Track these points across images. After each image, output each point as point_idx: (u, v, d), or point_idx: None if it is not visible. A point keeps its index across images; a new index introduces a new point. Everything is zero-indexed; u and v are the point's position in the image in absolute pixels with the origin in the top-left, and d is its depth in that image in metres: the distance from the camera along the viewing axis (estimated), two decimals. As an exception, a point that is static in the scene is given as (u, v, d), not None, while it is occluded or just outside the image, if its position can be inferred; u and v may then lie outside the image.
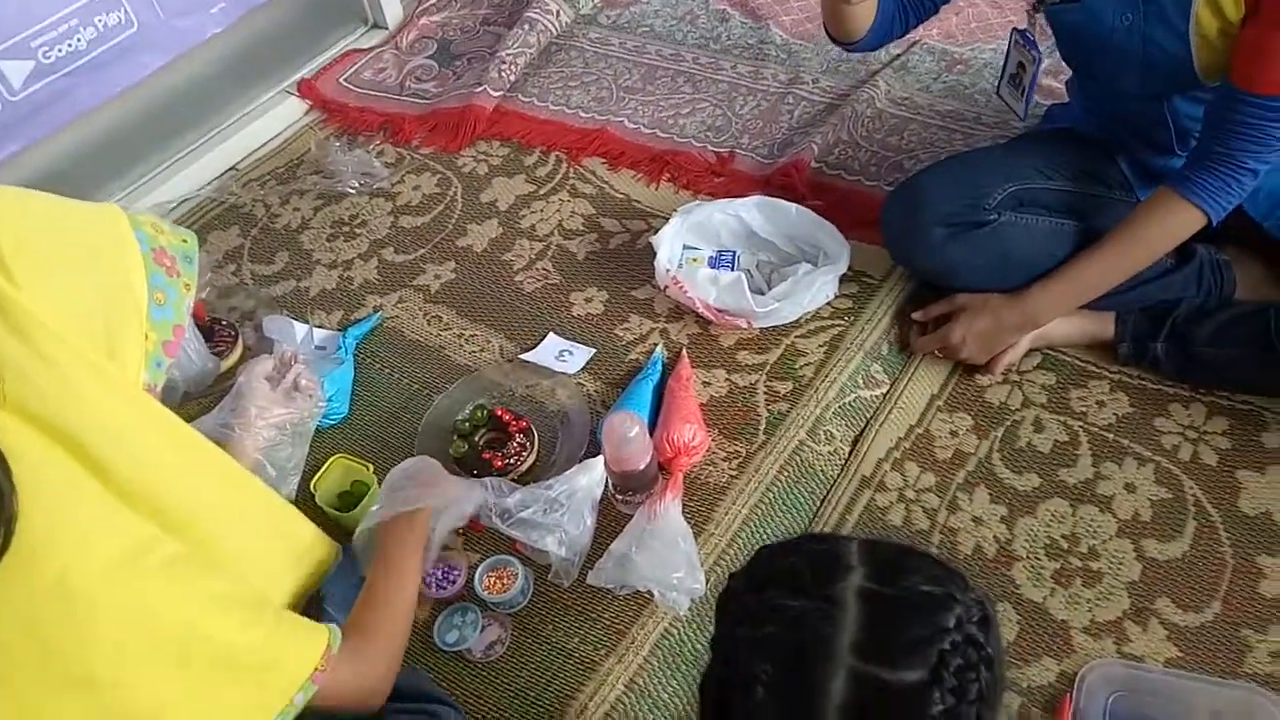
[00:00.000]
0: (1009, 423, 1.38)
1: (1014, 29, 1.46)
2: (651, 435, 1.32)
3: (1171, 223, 1.24)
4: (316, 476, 1.34)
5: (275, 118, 2.10)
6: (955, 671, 0.55)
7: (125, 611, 0.71)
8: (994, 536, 1.26)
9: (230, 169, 2.02)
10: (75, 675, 0.69)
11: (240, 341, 1.58)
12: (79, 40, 1.73)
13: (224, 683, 0.76)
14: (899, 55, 1.97)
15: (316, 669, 0.82)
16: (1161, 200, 1.25)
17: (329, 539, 1.03)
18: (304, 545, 0.99)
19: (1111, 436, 1.34)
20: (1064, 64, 1.46)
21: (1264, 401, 1.33)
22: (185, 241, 0.89)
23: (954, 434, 1.38)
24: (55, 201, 0.80)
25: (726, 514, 1.27)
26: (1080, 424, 1.36)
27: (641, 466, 1.22)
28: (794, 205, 1.56)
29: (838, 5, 1.32)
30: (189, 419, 0.93)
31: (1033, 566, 1.22)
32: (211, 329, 1.57)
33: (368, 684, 0.90)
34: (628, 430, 1.19)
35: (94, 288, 0.78)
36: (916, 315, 1.45)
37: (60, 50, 1.70)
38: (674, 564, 1.12)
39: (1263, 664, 1.10)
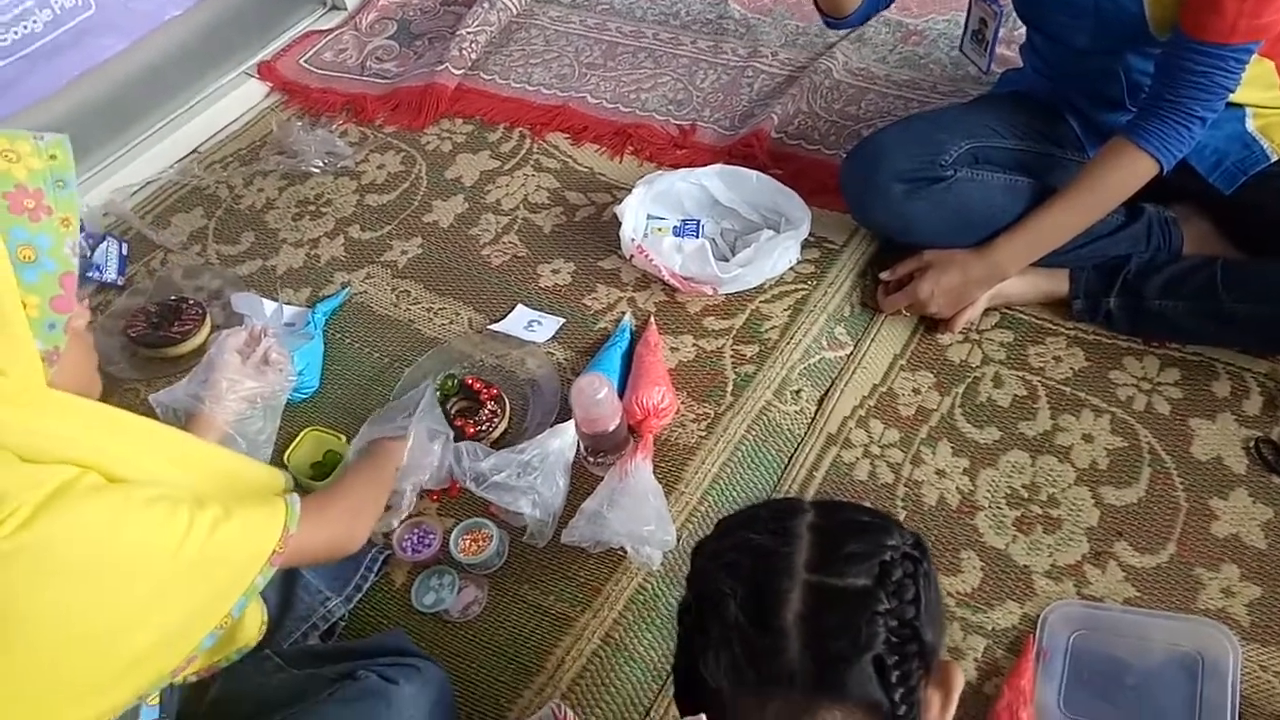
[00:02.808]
0: (970, 379, 1.41)
1: None
2: (621, 400, 1.34)
3: (1126, 171, 1.28)
4: (290, 449, 1.34)
5: (236, 100, 2.09)
6: (896, 579, 0.63)
7: (70, 545, 0.70)
8: (957, 488, 1.29)
9: (192, 152, 2.01)
10: (41, 619, 0.69)
11: (208, 320, 1.57)
12: (35, 22, 1.71)
13: (183, 582, 0.76)
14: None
15: (275, 551, 0.82)
16: (1115, 149, 1.28)
17: (273, 469, 1.01)
18: (252, 479, 0.97)
19: (1069, 390, 1.37)
20: (1017, 30, 1.49)
21: (1214, 352, 1.37)
22: (54, 158, 0.76)
23: (916, 391, 1.41)
24: None
25: (696, 473, 1.30)
26: (1038, 379, 1.39)
27: (611, 428, 1.24)
28: (755, 173, 1.58)
29: None
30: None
31: (995, 515, 1.26)
32: (179, 308, 1.57)
33: (330, 540, 0.94)
34: (596, 391, 1.20)
35: None
36: (884, 274, 1.48)
37: (16, 32, 1.69)
38: (645, 518, 1.14)
39: (1215, 600, 1.15)
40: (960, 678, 0.67)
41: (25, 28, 1.70)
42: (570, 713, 0.99)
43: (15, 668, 0.70)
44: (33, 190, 0.73)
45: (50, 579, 0.69)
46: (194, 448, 0.92)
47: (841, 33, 1.98)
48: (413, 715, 0.93)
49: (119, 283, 1.71)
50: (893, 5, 1.51)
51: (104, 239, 1.72)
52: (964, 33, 1.58)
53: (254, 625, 1.01)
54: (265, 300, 1.57)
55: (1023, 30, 1.56)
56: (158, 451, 0.85)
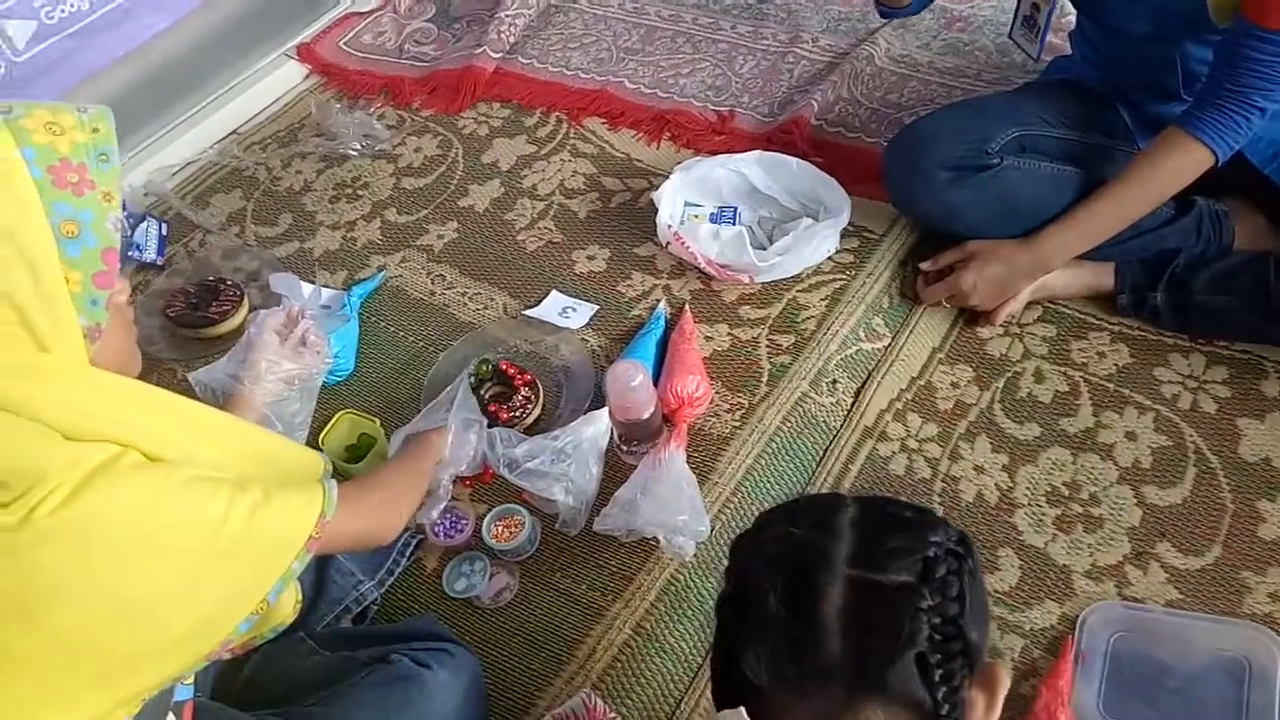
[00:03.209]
0: (1010, 374, 1.38)
1: None
2: (655, 388, 1.33)
3: (1179, 162, 1.25)
4: (324, 431, 1.35)
5: (275, 82, 2.09)
6: (940, 576, 0.61)
7: (110, 523, 0.70)
8: (995, 485, 1.27)
9: (231, 133, 2.02)
10: (79, 592, 0.69)
11: (246, 301, 1.58)
12: (81, 1, 1.72)
13: (221, 563, 0.75)
14: (900, 13, 1.96)
15: (312, 536, 0.81)
16: (1169, 139, 1.25)
17: (313, 451, 0.99)
18: (293, 461, 0.96)
19: (1112, 386, 1.35)
20: (1065, 17, 1.46)
21: (1263, 350, 1.34)
22: (97, 130, 0.75)
23: (955, 385, 1.39)
24: None
25: (730, 464, 1.29)
26: (1081, 374, 1.37)
27: (645, 416, 1.23)
28: (795, 159, 1.56)
29: None
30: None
31: (1034, 513, 1.24)
32: (217, 289, 1.58)
33: (366, 531, 0.93)
34: (631, 378, 1.20)
35: None
36: (925, 265, 1.45)
37: (62, 10, 1.70)
38: (678, 507, 1.13)
39: (1261, 604, 1.12)
40: (1006, 679, 0.65)
41: (72, 5, 1.72)
42: (601, 703, 0.99)
43: (51, 645, 0.70)
44: (76, 164, 0.72)
45: (88, 557, 0.70)
46: (234, 428, 0.91)
47: (885, 20, 1.95)
48: (445, 700, 0.93)
49: (158, 263, 1.73)
50: (940, -9, 1.49)
51: (144, 219, 1.74)
52: (1014, 18, 1.54)
53: (289, 604, 1.01)
54: (303, 282, 1.58)
55: (1072, 16, 1.53)
56: (198, 432, 0.85)
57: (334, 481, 0.89)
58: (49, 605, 0.69)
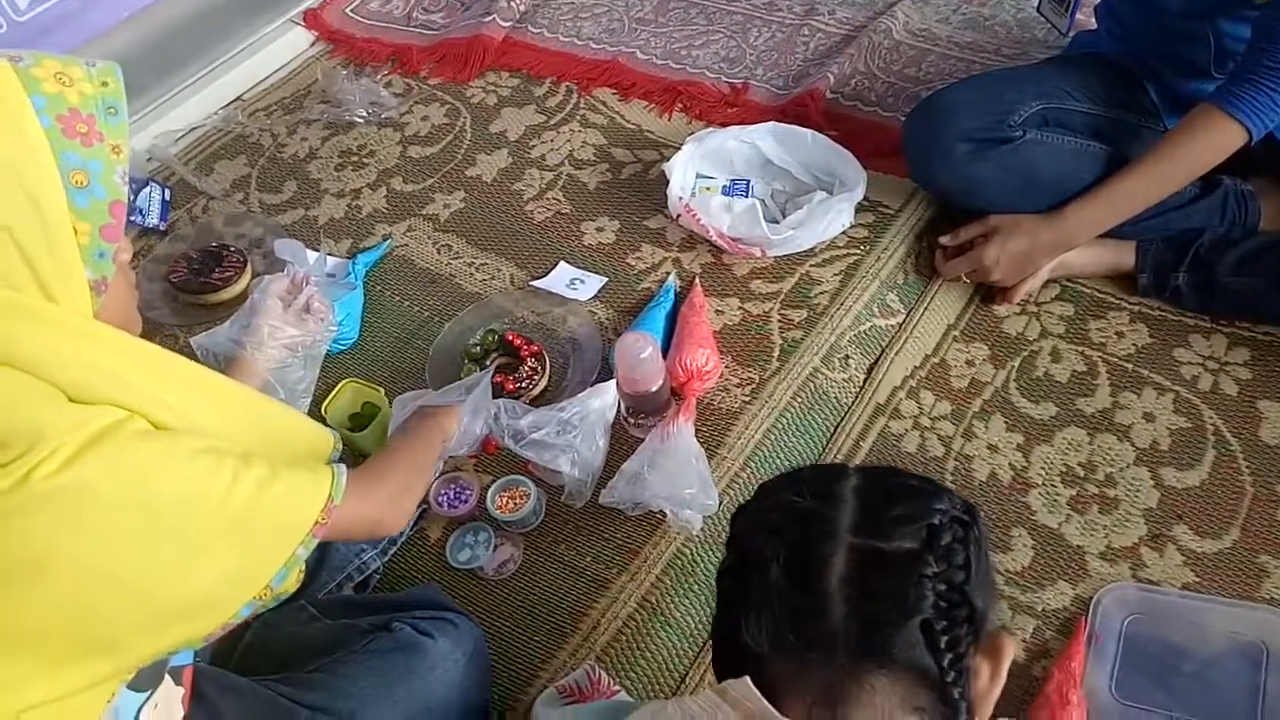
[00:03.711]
0: (1026, 353, 1.36)
1: None
2: (664, 361, 1.31)
3: (1212, 139, 1.22)
4: (328, 399, 1.33)
5: (281, 48, 2.07)
6: (945, 543, 0.60)
7: (111, 488, 0.68)
8: (1009, 464, 1.25)
9: (236, 99, 1.99)
10: (75, 560, 0.67)
11: (249, 268, 1.56)
12: (84, -39, 1.70)
13: (223, 541, 0.73)
14: (918, -14, 1.93)
15: (318, 521, 0.79)
16: (1202, 116, 1.22)
17: (323, 428, 0.96)
18: (300, 435, 0.93)
19: (1130, 367, 1.32)
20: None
21: (1287, 332, 1.31)
22: (106, 84, 0.73)
23: (970, 363, 1.36)
24: None
25: (739, 439, 1.26)
26: (1099, 354, 1.34)
27: (654, 388, 1.21)
28: (810, 132, 1.53)
29: None
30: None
31: (1048, 493, 1.21)
32: (220, 255, 1.56)
33: (372, 521, 0.90)
34: (640, 350, 1.17)
35: None
36: (945, 239, 1.42)
37: (65, -30, 1.67)
38: (686, 480, 1.11)
39: (1280, 589, 1.10)
40: (1011, 647, 0.63)
41: (75, -34, 1.69)
42: (605, 676, 0.97)
43: (42, 613, 0.68)
44: (85, 115, 0.71)
45: (82, 525, 0.68)
46: (243, 398, 0.88)
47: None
48: (447, 669, 0.91)
49: (161, 228, 1.70)
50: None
51: (147, 184, 1.71)
52: None
53: (292, 575, 1.00)
54: (308, 249, 1.56)
55: (1099, -11, 1.49)
56: (206, 400, 0.82)
57: (344, 466, 0.86)
58: (40, 573, 0.67)
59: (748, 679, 0.58)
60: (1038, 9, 1.51)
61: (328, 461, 0.90)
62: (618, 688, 0.94)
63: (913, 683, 0.58)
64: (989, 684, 0.62)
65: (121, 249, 0.77)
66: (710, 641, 0.67)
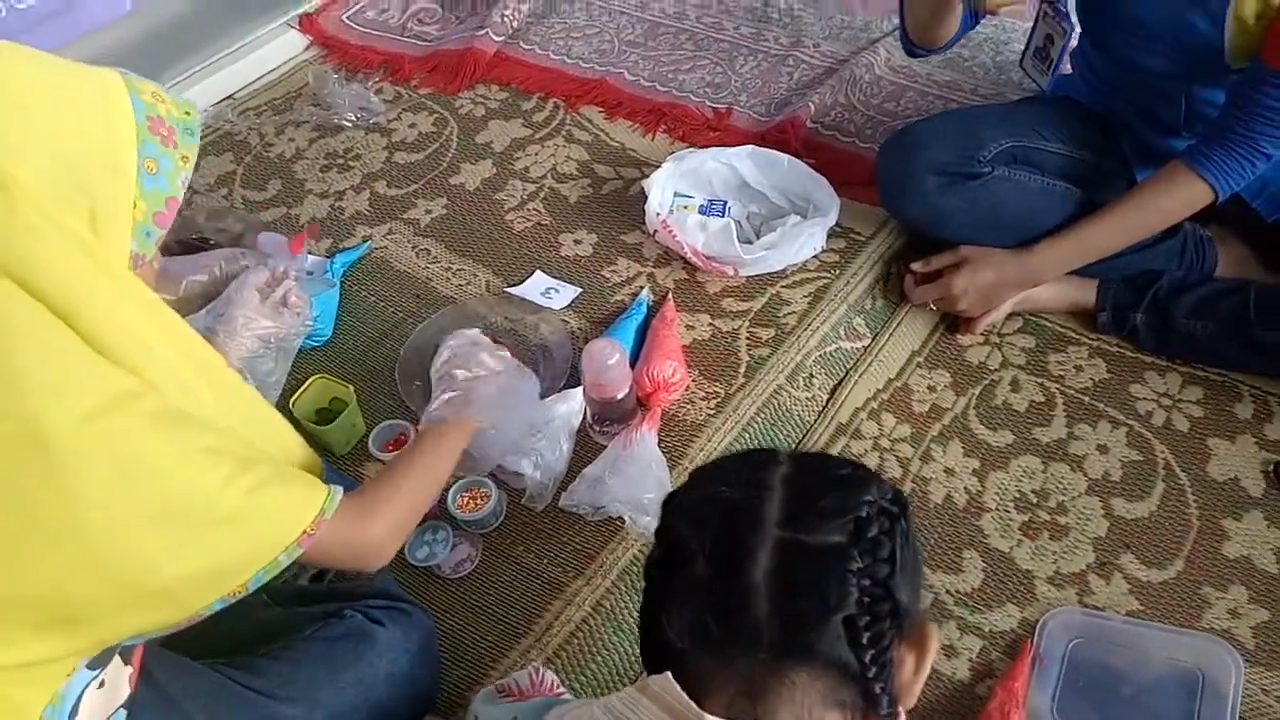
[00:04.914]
0: (987, 381, 1.39)
1: (1044, 0, 1.45)
2: (633, 371, 1.33)
3: (1180, 196, 1.26)
4: (297, 394, 1.34)
5: (275, 50, 2.09)
6: (871, 536, 0.60)
7: (108, 461, 0.69)
8: (965, 488, 1.27)
9: (227, 97, 2.01)
10: (60, 526, 0.68)
11: (227, 262, 1.57)
12: (84, -48, 1.72)
13: (208, 536, 0.74)
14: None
15: (305, 532, 0.79)
16: (1173, 173, 1.26)
17: (313, 452, 0.96)
18: (289, 452, 0.94)
19: (1087, 399, 1.35)
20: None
21: (1239, 374, 1.35)
22: (188, 114, 0.84)
23: (932, 389, 1.39)
24: (49, 62, 0.78)
25: (702, 450, 1.28)
26: (1057, 386, 1.37)
27: (620, 395, 1.23)
28: (786, 156, 1.56)
29: (937, 19, 1.34)
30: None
31: (1001, 518, 1.24)
32: (198, 248, 1.56)
33: (360, 552, 0.88)
34: (608, 357, 1.19)
35: (78, 152, 0.75)
36: (916, 265, 1.45)
37: (65, -39, 1.69)
38: (646, 486, 1.12)
39: (1221, 620, 1.12)
40: (936, 638, 0.64)
41: (75, -43, 1.71)
42: (552, 676, 0.98)
43: (25, 575, 0.69)
44: (167, 125, 0.81)
45: (79, 492, 0.69)
46: (252, 397, 0.90)
47: (886, 30, 1.96)
48: (395, 658, 0.92)
49: (143, 219, 1.71)
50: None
51: (132, 175, 1.72)
52: (1026, 48, 1.52)
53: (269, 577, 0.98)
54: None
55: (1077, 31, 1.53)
56: (221, 391, 0.85)
57: (341, 489, 0.86)
58: (24, 534, 0.68)
59: (669, 675, 0.59)
60: (1020, 64, 1.54)
61: (321, 478, 0.91)
62: (562, 690, 0.94)
63: (835, 677, 0.58)
64: (913, 675, 0.63)
65: (159, 241, 0.83)
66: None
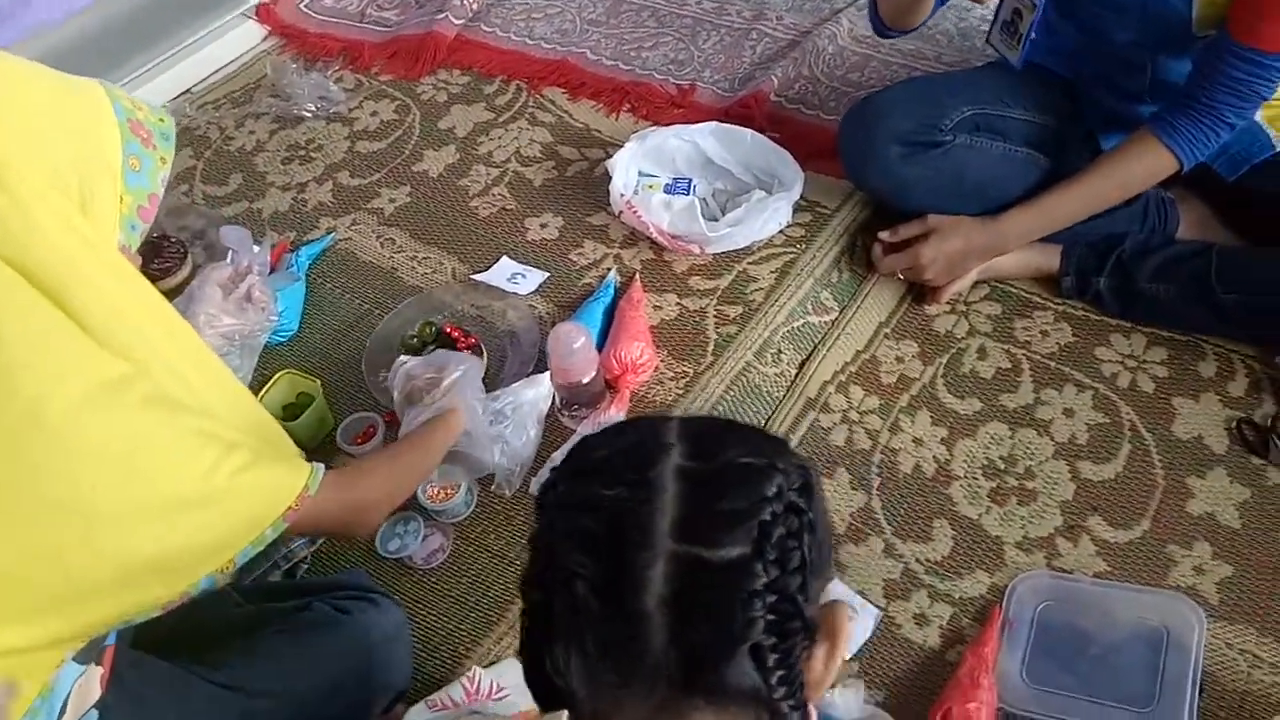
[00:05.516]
0: (954, 350, 1.39)
1: None
2: (601, 354, 1.33)
3: (1147, 164, 1.27)
4: (263, 391, 1.33)
5: (232, 42, 2.06)
6: (777, 542, 0.53)
7: (105, 443, 0.72)
8: (933, 456, 1.28)
9: (185, 91, 1.99)
10: (61, 504, 0.71)
11: (189, 259, 1.56)
12: (32, -50, 1.69)
13: (198, 515, 0.78)
14: (863, -6, 1.96)
15: (290, 508, 0.83)
16: (1140, 142, 1.27)
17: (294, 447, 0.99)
18: (269, 434, 0.96)
19: (1053, 364, 1.36)
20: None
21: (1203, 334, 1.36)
22: (163, 121, 0.89)
23: (900, 360, 1.39)
24: (33, 67, 0.81)
25: (671, 431, 1.28)
26: (1023, 352, 1.38)
27: (586, 379, 1.23)
28: (749, 131, 1.56)
29: (915, 3, 1.33)
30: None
31: (970, 485, 1.25)
32: (160, 246, 1.55)
33: (347, 518, 0.92)
34: (573, 340, 1.19)
35: (68, 145, 0.78)
36: (884, 234, 1.45)
37: (11, -41, 1.66)
38: (614, 469, 1.12)
39: (1186, 577, 1.13)
40: (845, 617, 0.57)
41: (23, -45, 1.68)
42: (490, 683, 0.97)
43: (23, 552, 0.71)
44: (146, 129, 0.85)
45: (73, 471, 0.71)
46: (243, 392, 0.94)
47: (848, 0, 1.95)
48: (359, 645, 0.92)
49: (104, 219, 1.69)
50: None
51: (91, 174, 1.70)
52: (994, 22, 1.50)
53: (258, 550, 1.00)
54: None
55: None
56: (207, 375, 0.89)
57: (323, 465, 0.90)
58: (18, 507, 0.70)
59: (564, 715, 0.53)
60: (987, 40, 1.52)
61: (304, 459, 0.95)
62: (504, 690, 0.93)
63: (741, 704, 0.52)
64: (827, 662, 0.57)
65: (143, 234, 0.87)
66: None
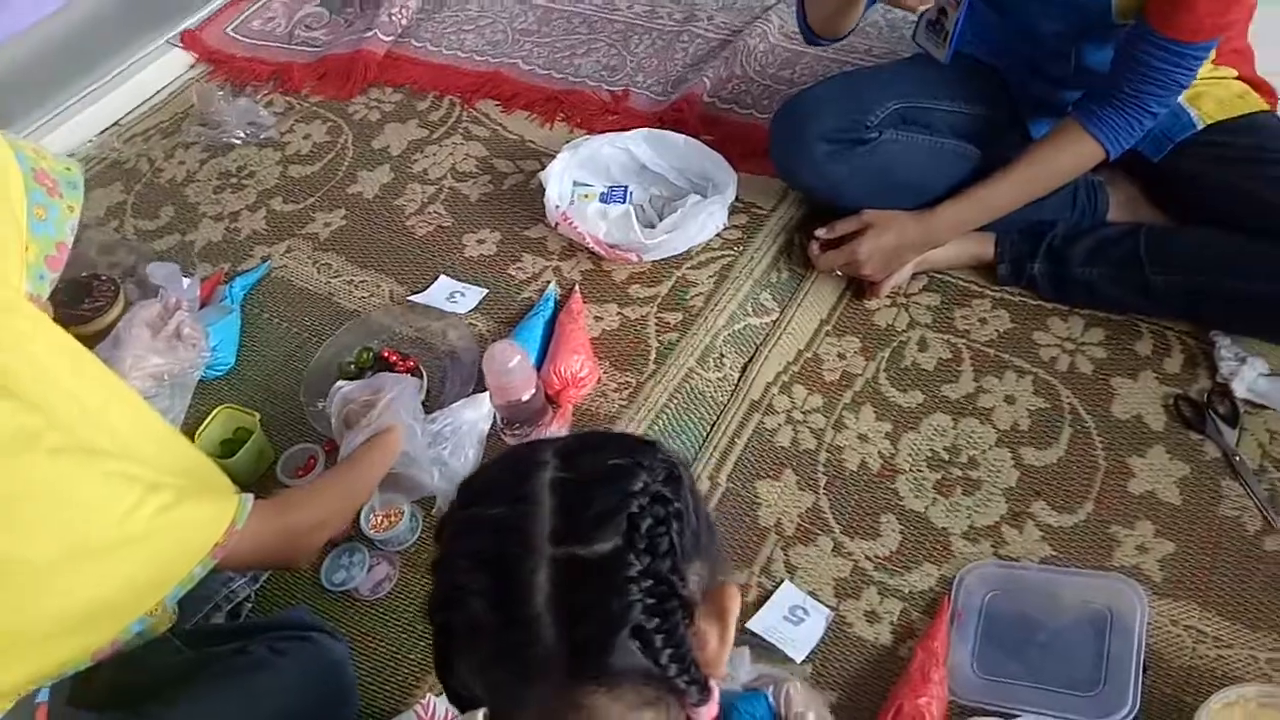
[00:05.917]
0: (895, 343, 1.40)
1: None
2: (541, 370, 1.32)
3: (1074, 154, 1.29)
4: (201, 428, 1.31)
5: (158, 70, 2.03)
6: (646, 531, 0.56)
7: (17, 495, 0.72)
8: (879, 452, 1.28)
9: (113, 124, 1.95)
10: None
11: (122, 296, 1.53)
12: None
13: (123, 558, 0.77)
14: (792, -10, 1.96)
15: (217, 544, 0.82)
16: (1066, 132, 1.29)
17: (228, 482, 0.99)
18: (203, 473, 0.96)
19: (993, 352, 1.37)
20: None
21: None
22: (69, 169, 0.90)
23: (842, 356, 1.39)
24: None
25: (616, 442, 1.28)
26: (963, 341, 1.38)
27: (525, 397, 1.22)
28: (682, 136, 1.55)
29: (841, 14, 1.31)
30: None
31: (915, 478, 1.25)
32: (90, 285, 1.52)
33: (282, 548, 0.92)
34: (508, 360, 1.18)
35: None
36: (820, 232, 1.45)
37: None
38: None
39: (1130, 556, 1.14)
40: (736, 598, 0.61)
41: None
42: (445, 710, 0.96)
43: None
44: (51, 178, 0.86)
45: None
46: (161, 424, 0.93)
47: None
48: (291, 685, 0.91)
49: (33, 260, 1.66)
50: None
51: (16, 215, 1.67)
52: (919, 20, 1.51)
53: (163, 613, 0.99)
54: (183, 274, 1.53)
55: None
56: (131, 419, 0.88)
57: (251, 496, 0.89)
58: None
59: (480, 715, 0.58)
60: (913, 38, 1.52)
61: (234, 493, 0.94)
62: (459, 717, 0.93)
63: (637, 684, 0.56)
64: (719, 645, 0.60)
65: (52, 284, 0.87)
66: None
